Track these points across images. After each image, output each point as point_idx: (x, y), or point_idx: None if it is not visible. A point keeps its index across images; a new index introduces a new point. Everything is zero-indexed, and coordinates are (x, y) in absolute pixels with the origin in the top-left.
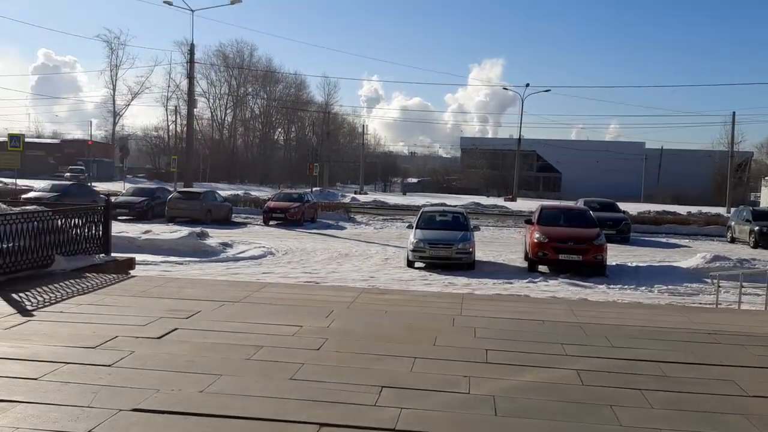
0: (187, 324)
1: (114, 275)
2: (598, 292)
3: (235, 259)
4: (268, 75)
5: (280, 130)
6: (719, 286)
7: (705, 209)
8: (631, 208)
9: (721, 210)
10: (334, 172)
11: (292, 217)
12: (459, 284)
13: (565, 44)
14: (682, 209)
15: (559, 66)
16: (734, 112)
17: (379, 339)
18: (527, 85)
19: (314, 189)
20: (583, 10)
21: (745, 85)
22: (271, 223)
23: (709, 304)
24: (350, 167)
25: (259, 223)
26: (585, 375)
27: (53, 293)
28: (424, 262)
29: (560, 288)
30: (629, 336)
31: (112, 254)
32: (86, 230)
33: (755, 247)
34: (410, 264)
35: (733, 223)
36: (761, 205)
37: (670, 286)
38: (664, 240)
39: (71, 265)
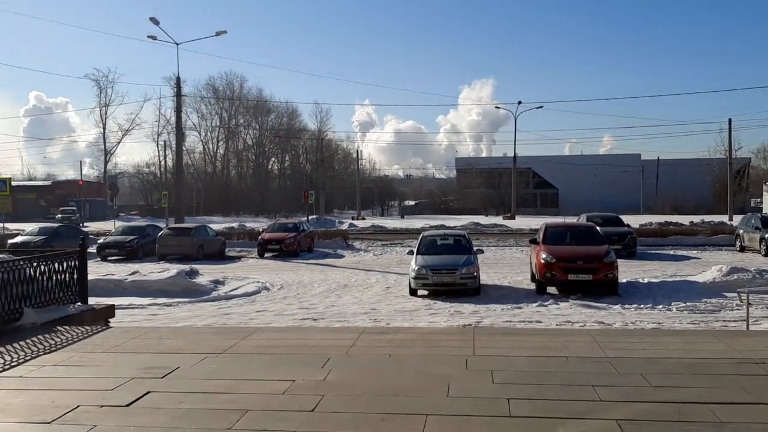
0: (162, 385)
1: (89, 327)
2: (614, 314)
3: (228, 297)
4: (259, 105)
5: (273, 159)
6: (749, 303)
7: (707, 218)
8: (632, 220)
9: (723, 218)
10: (330, 199)
11: (288, 248)
12: (466, 312)
13: (554, 60)
14: (684, 219)
15: (549, 82)
16: (730, 119)
17: (383, 392)
18: (519, 102)
19: (311, 217)
20: (570, 24)
21: (736, 91)
22: (266, 255)
23: (735, 321)
24: (346, 193)
25: (254, 256)
26: (627, 426)
27: (15, 353)
28: (427, 290)
29: (573, 311)
30: (667, 372)
31: (91, 302)
32: (59, 277)
33: (766, 255)
34: (413, 292)
35: (741, 231)
36: (764, 211)
37: (688, 303)
38: (671, 252)
39: (42, 318)
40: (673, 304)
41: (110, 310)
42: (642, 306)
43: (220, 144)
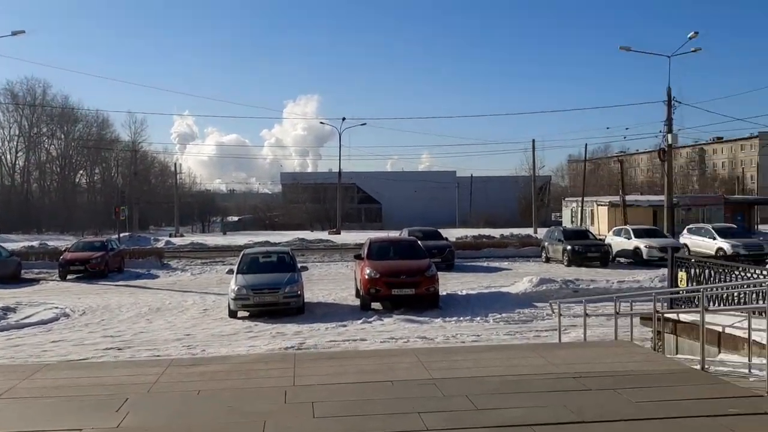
0: None
1: None
2: (436, 327)
3: (19, 326)
4: (66, 113)
5: (82, 172)
6: (561, 315)
7: (516, 231)
8: (449, 233)
9: (529, 230)
10: (146, 215)
11: (93, 268)
12: (289, 333)
13: (377, 80)
14: (496, 232)
15: (372, 100)
16: (534, 140)
17: None
18: (344, 119)
19: (123, 234)
20: (391, 44)
21: (540, 114)
22: (69, 277)
23: (546, 330)
24: (164, 209)
25: (55, 278)
26: None
27: None
28: (248, 311)
29: (397, 326)
30: (491, 391)
31: None
32: None
33: (569, 265)
34: (233, 314)
35: (546, 243)
36: (563, 224)
37: (504, 314)
38: (485, 264)
39: None
40: (490, 315)
41: None
42: (461, 318)
43: (20, 155)
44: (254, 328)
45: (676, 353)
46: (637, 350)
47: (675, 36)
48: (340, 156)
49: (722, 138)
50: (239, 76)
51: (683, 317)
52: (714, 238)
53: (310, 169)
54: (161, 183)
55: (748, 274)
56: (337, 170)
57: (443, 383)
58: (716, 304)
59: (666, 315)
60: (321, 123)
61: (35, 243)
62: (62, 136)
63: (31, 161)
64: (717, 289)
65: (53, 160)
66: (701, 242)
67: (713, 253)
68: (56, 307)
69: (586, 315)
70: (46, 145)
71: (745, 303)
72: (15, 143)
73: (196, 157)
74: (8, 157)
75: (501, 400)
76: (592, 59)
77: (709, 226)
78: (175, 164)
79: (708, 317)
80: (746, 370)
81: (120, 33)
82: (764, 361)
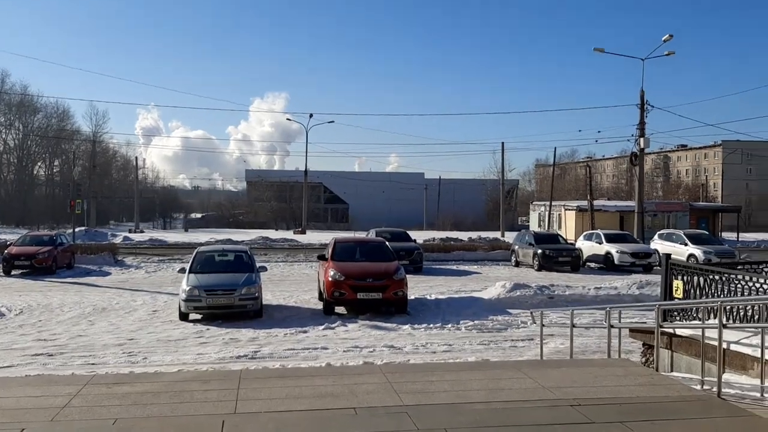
0: None
1: None
2: (404, 335)
3: None
4: (24, 103)
5: (40, 164)
6: (543, 325)
7: (483, 234)
8: (416, 235)
9: (496, 234)
10: (107, 210)
11: (40, 264)
12: (243, 339)
13: (345, 79)
14: (463, 235)
15: (341, 99)
16: (503, 143)
17: None
18: (311, 115)
19: (79, 229)
20: (360, 43)
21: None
22: (14, 272)
23: (523, 340)
24: (125, 204)
25: None
26: None
27: None
28: (201, 314)
29: (362, 333)
30: (476, 424)
31: None
32: None
33: (539, 270)
34: (184, 317)
35: (516, 247)
36: (531, 228)
37: (476, 321)
38: (454, 267)
39: None
40: (461, 322)
41: None
42: (431, 325)
43: None
44: (205, 333)
45: (671, 370)
46: (637, 370)
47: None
48: (306, 153)
49: (687, 146)
50: (206, 71)
51: (681, 331)
52: (686, 244)
53: (277, 167)
54: (123, 177)
55: (756, 285)
56: (304, 169)
57: (417, 412)
58: (714, 317)
59: (664, 329)
60: (288, 120)
61: None
62: (20, 127)
63: None
64: (731, 302)
65: (10, 151)
66: (672, 248)
67: (684, 259)
68: None
69: (573, 326)
70: (3, 135)
71: (752, 317)
72: None
73: (161, 152)
74: None
75: None
76: (565, 61)
77: (680, 232)
78: (136, 158)
79: (708, 332)
80: (758, 394)
81: (85, 25)
82: None
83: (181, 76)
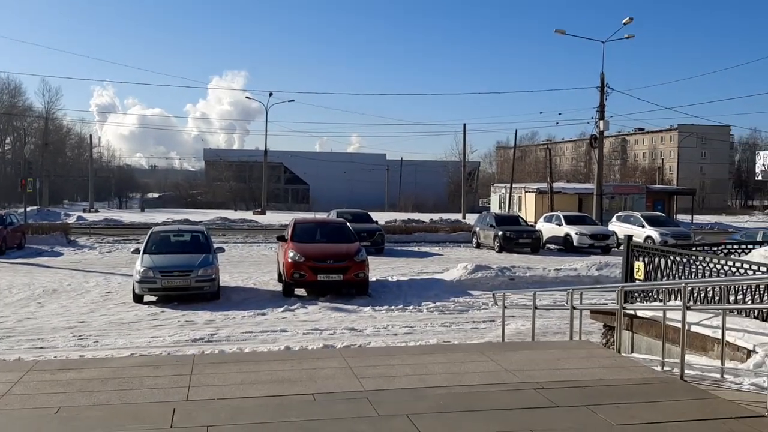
0: None
1: None
2: (365, 317)
3: None
4: None
5: None
6: (505, 307)
7: (445, 216)
8: (378, 217)
9: (458, 216)
10: (60, 189)
11: None
12: (200, 322)
13: (305, 57)
14: (425, 216)
15: (301, 78)
16: (465, 124)
17: None
18: (270, 94)
19: (31, 209)
20: (320, 21)
21: (470, 95)
22: None
23: (484, 322)
24: (80, 183)
25: None
26: None
27: None
28: (156, 296)
29: (323, 315)
30: (438, 409)
31: None
32: None
33: (500, 251)
34: (138, 299)
35: (478, 228)
36: (492, 210)
37: (438, 303)
38: (416, 249)
39: None
40: (423, 304)
41: None
42: (393, 307)
43: None
44: (160, 315)
45: (632, 351)
46: (600, 352)
47: (609, 23)
48: (266, 133)
49: (644, 129)
50: (162, 47)
51: (642, 313)
52: (643, 226)
53: (236, 146)
54: (77, 156)
55: (717, 266)
56: (264, 148)
57: (378, 397)
58: (676, 299)
59: (626, 311)
60: (247, 98)
61: None
62: None
63: None
64: (695, 283)
65: None
66: (630, 230)
67: (642, 241)
68: None
69: (535, 308)
70: None
71: (713, 298)
72: None
73: (116, 130)
74: None
75: (451, 423)
76: (526, 42)
77: (638, 214)
78: (90, 136)
79: (669, 314)
80: (718, 375)
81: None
82: (740, 366)
83: (137, 52)
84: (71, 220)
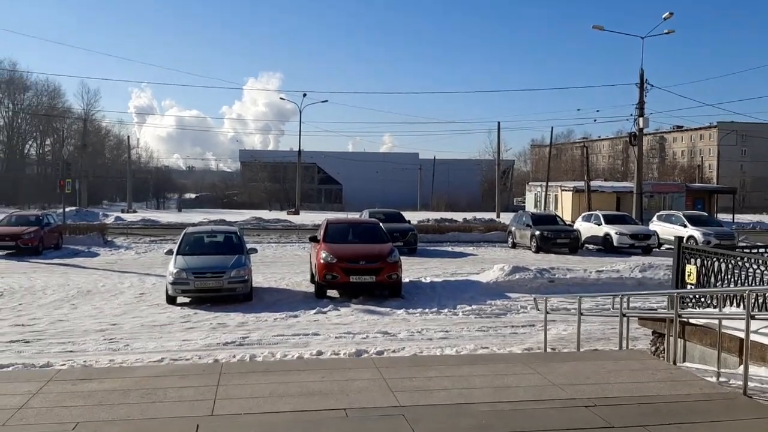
0: None
1: None
2: (398, 320)
3: None
4: (14, 80)
5: (31, 143)
6: (548, 311)
7: (479, 215)
8: (411, 216)
9: (492, 215)
10: (99, 190)
11: (26, 244)
12: (231, 324)
13: (339, 59)
14: (458, 216)
15: (335, 79)
16: (499, 122)
17: None
18: (304, 95)
19: (70, 209)
20: (353, 21)
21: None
22: None
23: (524, 326)
24: (118, 184)
25: None
26: None
27: None
28: (188, 297)
29: (355, 318)
30: (481, 428)
31: None
32: None
33: (537, 252)
34: (171, 300)
35: (513, 228)
36: (526, 209)
37: (474, 306)
38: (449, 249)
39: None
40: (458, 307)
41: None
42: (427, 310)
43: None
44: (193, 318)
45: (684, 360)
46: (654, 364)
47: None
48: (300, 133)
49: (682, 127)
50: (199, 51)
51: (695, 320)
52: (685, 226)
53: (271, 147)
54: (116, 157)
55: None
56: (298, 149)
57: (415, 414)
58: (731, 305)
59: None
60: (281, 99)
61: None
62: (10, 105)
63: None
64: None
65: (0, 130)
66: (672, 230)
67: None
68: None
69: (581, 314)
70: None
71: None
72: None
73: (154, 132)
74: None
75: None
76: (562, 39)
77: (679, 214)
78: (128, 138)
79: (725, 321)
80: None
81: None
82: None
83: (174, 55)
84: (109, 220)
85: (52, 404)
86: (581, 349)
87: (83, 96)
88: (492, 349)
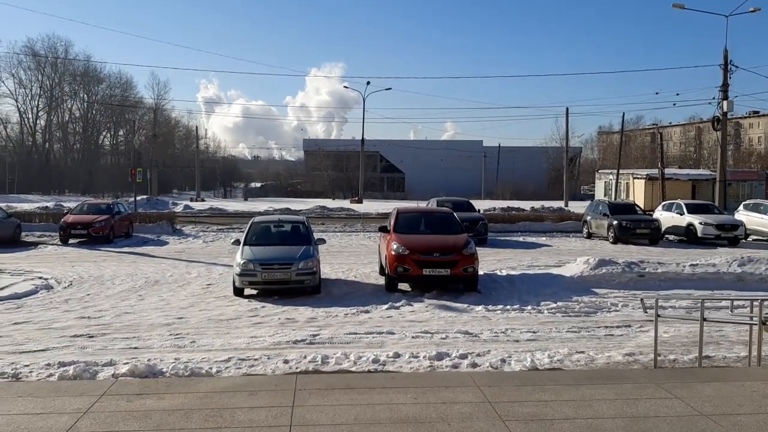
0: None
1: None
2: (479, 318)
3: None
4: (88, 73)
5: (105, 133)
6: (658, 316)
7: (546, 203)
8: (476, 205)
9: (559, 203)
10: (169, 179)
11: (97, 233)
12: (301, 320)
13: (402, 47)
14: (525, 204)
15: (397, 67)
16: (567, 108)
17: None
18: (368, 82)
19: (141, 198)
20: (418, 7)
21: (572, 75)
22: (71, 241)
23: (619, 327)
24: (187, 173)
25: (57, 242)
26: None
27: None
28: (256, 289)
29: (431, 316)
30: None
31: None
32: None
33: (615, 242)
34: (238, 292)
35: (589, 217)
36: (596, 197)
37: (559, 303)
38: (521, 239)
39: None
40: (542, 304)
41: None
42: (508, 306)
43: (41, 114)
44: (260, 311)
45: None
46: None
47: None
48: (363, 122)
49: (759, 112)
50: (265, 41)
51: None
52: None
53: (334, 135)
54: (185, 147)
55: None
56: (360, 138)
57: None
58: None
59: None
60: (345, 87)
61: (50, 204)
62: (85, 96)
63: (53, 121)
64: None
65: (76, 121)
66: (762, 220)
67: None
68: (40, 278)
69: (704, 320)
70: (68, 105)
71: None
72: (36, 102)
73: (221, 121)
74: (30, 116)
75: None
76: (635, 20)
77: None
78: (197, 128)
79: None
80: None
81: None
82: None
83: (239, 45)
84: (178, 209)
85: (103, 427)
86: (702, 364)
87: (154, 87)
88: (588, 353)
